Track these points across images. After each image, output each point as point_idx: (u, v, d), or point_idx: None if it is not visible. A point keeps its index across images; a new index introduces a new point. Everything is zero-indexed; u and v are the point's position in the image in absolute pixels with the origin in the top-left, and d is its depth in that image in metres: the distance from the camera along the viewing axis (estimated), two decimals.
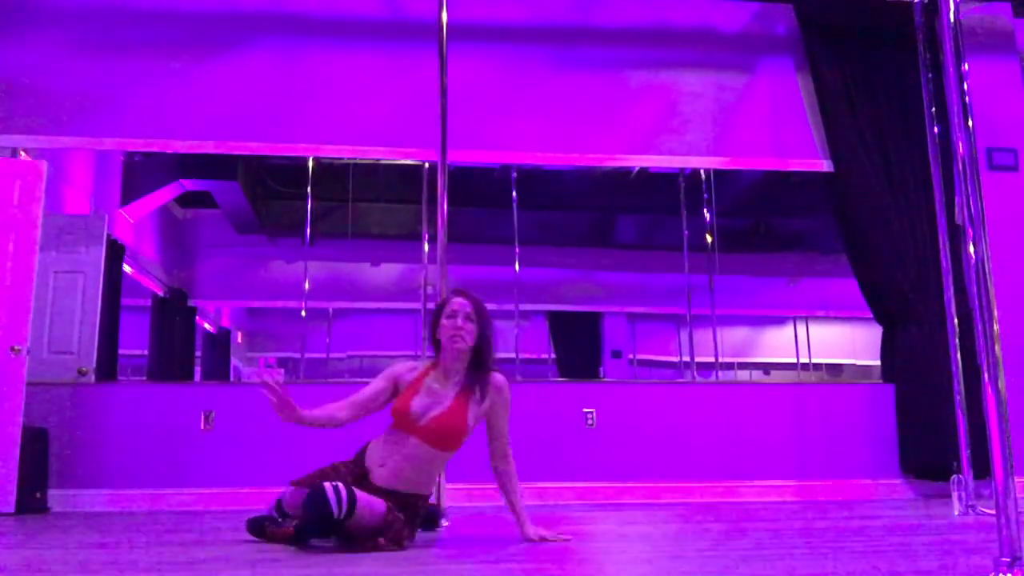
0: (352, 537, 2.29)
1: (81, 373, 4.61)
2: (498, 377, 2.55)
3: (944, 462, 4.32)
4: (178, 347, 6.77)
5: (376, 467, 2.45)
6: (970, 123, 1.99)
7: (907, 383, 4.78)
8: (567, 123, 5.04)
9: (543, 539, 2.52)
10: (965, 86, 2.03)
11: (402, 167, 6.45)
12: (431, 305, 5.02)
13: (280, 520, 2.53)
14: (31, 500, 4.04)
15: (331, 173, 6.85)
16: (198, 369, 7.02)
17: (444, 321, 2.51)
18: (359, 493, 2.25)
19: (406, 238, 7.16)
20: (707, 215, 6.12)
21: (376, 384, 2.57)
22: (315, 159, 5.90)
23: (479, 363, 2.53)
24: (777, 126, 5.17)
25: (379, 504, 2.31)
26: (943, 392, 4.28)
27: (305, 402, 4.47)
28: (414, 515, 2.45)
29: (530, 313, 7.78)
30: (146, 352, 6.60)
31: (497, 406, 2.54)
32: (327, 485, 2.22)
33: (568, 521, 3.38)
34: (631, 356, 8.11)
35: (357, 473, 2.46)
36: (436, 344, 2.57)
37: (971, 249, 1.89)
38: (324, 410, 2.52)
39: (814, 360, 8.21)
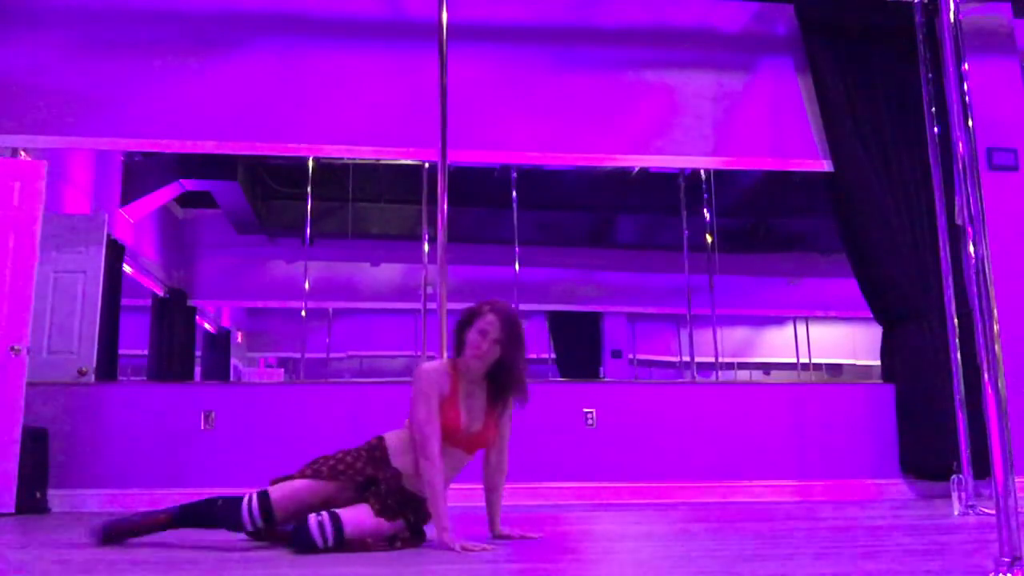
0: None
1: (81, 373, 4.61)
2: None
3: (944, 462, 4.32)
4: (178, 347, 6.76)
5: (413, 473, 2.42)
6: (970, 123, 1.99)
7: (907, 383, 4.78)
8: (567, 123, 5.04)
9: (509, 537, 2.59)
10: (965, 86, 2.03)
11: (402, 167, 6.45)
12: (432, 305, 5.03)
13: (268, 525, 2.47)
14: (31, 500, 4.04)
15: (331, 173, 6.84)
16: (198, 369, 7.01)
17: (474, 334, 2.48)
18: (346, 519, 2.24)
19: (406, 238, 7.16)
20: (707, 215, 6.12)
21: (432, 408, 2.43)
22: (315, 159, 5.90)
23: (499, 375, 2.54)
24: (777, 126, 5.17)
25: (374, 524, 2.31)
26: (943, 392, 4.28)
27: (307, 403, 4.51)
28: (426, 517, 2.48)
29: (530, 313, 7.78)
30: (146, 352, 6.60)
31: (507, 413, 2.67)
32: (312, 521, 2.21)
33: (567, 521, 3.38)
34: (631, 356, 8.10)
35: (372, 467, 2.40)
36: (460, 343, 2.53)
37: (971, 249, 1.89)
38: (442, 474, 2.40)
39: (814, 360, 8.21)
